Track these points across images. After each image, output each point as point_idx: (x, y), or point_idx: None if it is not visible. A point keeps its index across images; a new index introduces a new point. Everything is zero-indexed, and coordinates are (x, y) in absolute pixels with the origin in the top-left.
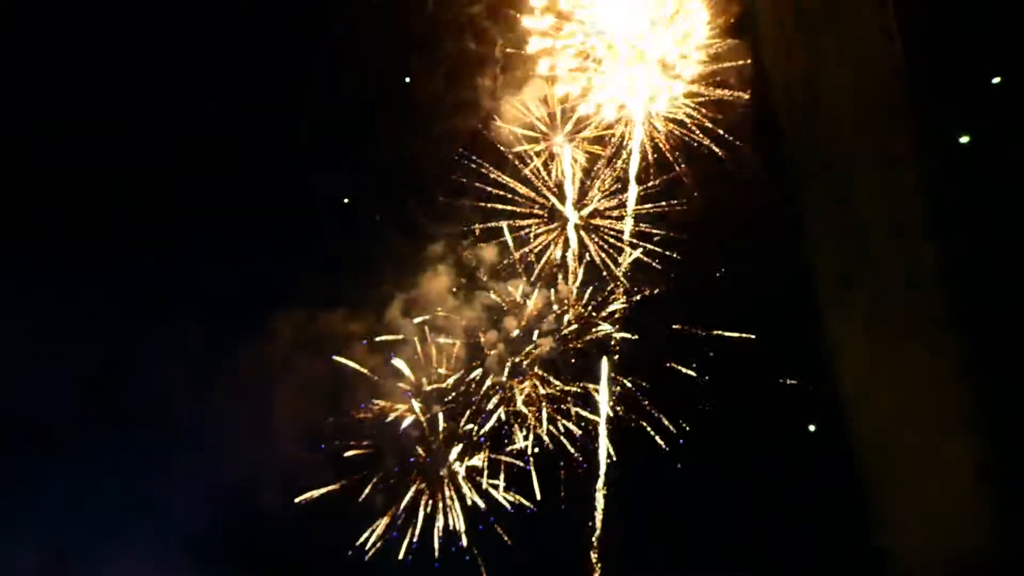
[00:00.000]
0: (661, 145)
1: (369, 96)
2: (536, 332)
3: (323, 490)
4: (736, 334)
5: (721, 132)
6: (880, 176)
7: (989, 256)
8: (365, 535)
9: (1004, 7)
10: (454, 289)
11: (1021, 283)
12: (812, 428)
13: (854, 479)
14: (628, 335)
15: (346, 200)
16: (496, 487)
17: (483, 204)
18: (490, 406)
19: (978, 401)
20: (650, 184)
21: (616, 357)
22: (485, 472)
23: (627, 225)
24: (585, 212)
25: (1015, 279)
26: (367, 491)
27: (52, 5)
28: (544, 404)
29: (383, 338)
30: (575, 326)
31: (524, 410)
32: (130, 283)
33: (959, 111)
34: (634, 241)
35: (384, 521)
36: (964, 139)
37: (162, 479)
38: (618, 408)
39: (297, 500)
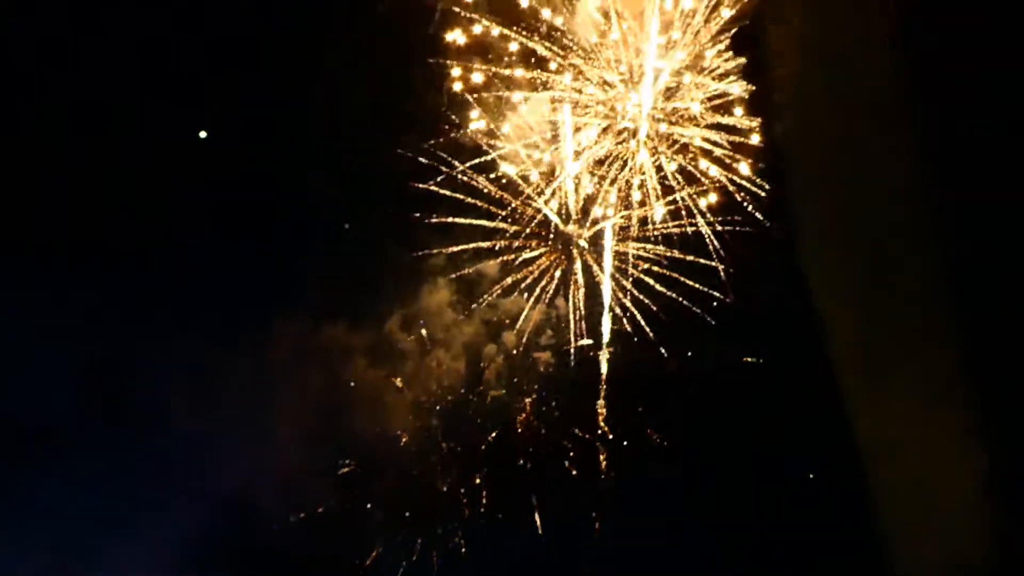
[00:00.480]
0: (664, 166)
1: (370, 109)
2: (535, 347)
3: (321, 508)
4: (738, 351)
5: (724, 151)
6: (880, 187)
7: (991, 264)
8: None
9: (1006, 13)
10: (454, 303)
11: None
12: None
13: (859, 485)
14: (625, 353)
15: (347, 226)
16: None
17: (485, 223)
18: (489, 424)
19: (981, 409)
20: (667, 204)
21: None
22: (484, 491)
23: (630, 247)
24: (588, 232)
25: (1017, 287)
26: (368, 507)
27: (53, 5)
28: (542, 424)
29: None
30: (576, 344)
31: (522, 427)
32: (129, 291)
33: (961, 119)
34: (636, 262)
35: (384, 538)
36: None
37: (160, 483)
38: (616, 426)
39: (293, 519)
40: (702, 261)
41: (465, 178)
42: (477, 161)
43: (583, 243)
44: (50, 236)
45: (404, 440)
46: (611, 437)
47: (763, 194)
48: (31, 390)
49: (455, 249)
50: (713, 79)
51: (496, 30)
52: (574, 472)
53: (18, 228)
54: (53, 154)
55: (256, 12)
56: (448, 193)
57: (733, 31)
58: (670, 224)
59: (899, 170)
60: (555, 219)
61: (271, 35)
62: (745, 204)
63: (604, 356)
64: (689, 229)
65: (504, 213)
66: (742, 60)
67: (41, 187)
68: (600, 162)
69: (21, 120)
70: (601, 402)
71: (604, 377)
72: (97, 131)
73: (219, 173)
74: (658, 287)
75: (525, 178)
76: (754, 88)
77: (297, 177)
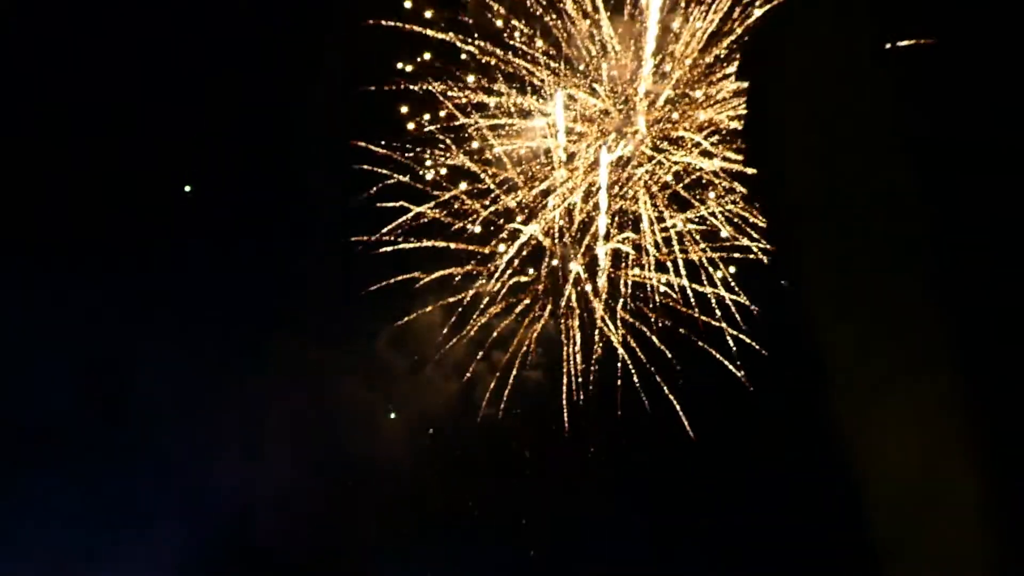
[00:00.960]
0: (657, 192)
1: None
2: (526, 367)
3: (316, 513)
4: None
5: (719, 178)
6: (871, 198)
7: (986, 284)
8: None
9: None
10: (445, 323)
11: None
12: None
13: (857, 517)
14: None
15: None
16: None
17: (478, 248)
18: (480, 441)
19: (977, 434)
20: (661, 230)
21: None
22: (476, 509)
23: (622, 273)
24: (581, 257)
25: (1014, 307)
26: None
27: (53, 5)
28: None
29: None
30: (568, 364)
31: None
32: (129, 291)
33: (952, 128)
34: (628, 281)
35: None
36: None
37: (160, 483)
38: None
39: (291, 524)
40: (694, 286)
41: (459, 203)
42: (472, 187)
43: (578, 267)
44: (50, 236)
45: (396, 458)
46: (602, 461)
47: (756, 219)
48: (31, 390)
49: (447, 272)
50: (708, 106)
51: (490, 55)
52: (565, 491)
53: (18, 228)
54: (53, 154)
55: (256, 12)
56: (441, 216)
57: (731, 58)
58: (663, 251)
59: (891, 181)
60: (548, 243)
61: (273, 49)
62: (738, 228)
63: (594, 375)
64: (680, 257)
65: (497, 239)
66: (738, 85)
67: (41, 187)
68: (595, 187)
69: (21, 120)
70: (591, 423)
71: (595, 395)
72: (97, 131)
73: (219, 174)
74: (649, 312)
75: (520, 203)
76: (748, 112)
77: (296, 179)
